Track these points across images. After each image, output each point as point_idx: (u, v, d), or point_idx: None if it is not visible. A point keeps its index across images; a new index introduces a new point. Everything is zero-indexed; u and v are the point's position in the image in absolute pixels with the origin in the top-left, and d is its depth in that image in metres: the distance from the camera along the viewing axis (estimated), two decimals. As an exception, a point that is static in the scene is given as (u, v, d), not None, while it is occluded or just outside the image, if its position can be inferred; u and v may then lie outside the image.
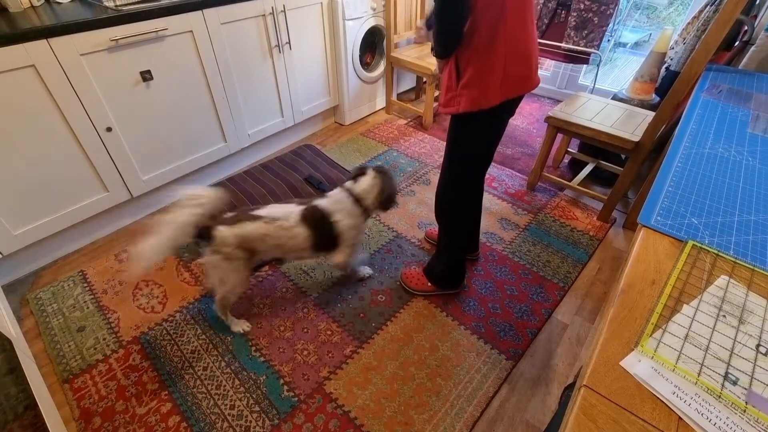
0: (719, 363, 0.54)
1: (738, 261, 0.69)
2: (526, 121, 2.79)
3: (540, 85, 3.11)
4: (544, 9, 2.50)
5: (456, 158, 1.30)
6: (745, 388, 0.52)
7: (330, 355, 1.38)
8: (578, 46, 2.43)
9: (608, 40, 2.57)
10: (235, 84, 1.99)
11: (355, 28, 2.38)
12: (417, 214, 1.98)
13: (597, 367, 0.55)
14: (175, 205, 1.19)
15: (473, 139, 1.25)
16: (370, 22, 2.46)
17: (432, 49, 1.14)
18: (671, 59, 2.01)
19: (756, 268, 0.68)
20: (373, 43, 2.70)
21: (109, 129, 1.64)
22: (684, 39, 1.95)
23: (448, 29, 1.03)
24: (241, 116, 2.10)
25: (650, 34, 3.25)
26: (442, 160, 1.42)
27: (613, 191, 1.85)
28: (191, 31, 1.73)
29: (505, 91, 1.12)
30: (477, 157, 1.31)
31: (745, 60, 1.59)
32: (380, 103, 2.92)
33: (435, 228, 1.86)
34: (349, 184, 1.42)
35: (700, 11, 1.88)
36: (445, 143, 1.32)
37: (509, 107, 1.19)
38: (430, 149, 2.47)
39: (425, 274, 1.57)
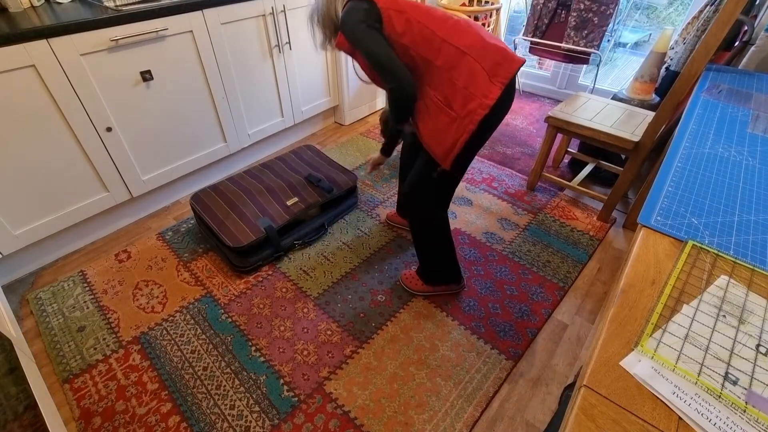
0: (719, 363, 0.55)
1: (738, 261, 0.69)
2: (526, 121, 2.79)
3: (540, 85, 3.14)
4: (544, 9, 2.50)
5: (442, 176, 1.28)
6: (745, 388, 0.52)
7: (330, 355, 1.38)
8: (578, 46, 2.43)
9: (608, 40, 2.57)
10: (235, 84, 1.99)
11: (355, 28, 2.38)
12: (417, 214, 1.98)
13: (597, 367, 0.55)
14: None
15: (466, 151, 1.22)
16: (370, 22, 2.46)
17: (396, 120, 1.25)
18: (671, 59, 2.01)
19: (756, 268, 0.68)
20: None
21: (109, 129, 1.64)
22: (684, 39, 1.95)
23: (404, 80, 1.13)
24: (241, 116, 2.10)
25: (650, 34, 3.25)
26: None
27: (613, 191, 1.85)
28: (191, 31, 1.73)
29: (501, 79, 1.11)
30: (467, 165, 1.30)
31: (745, 60, 1.59)
32: (380, 103, 2.92)
33: (393, 211, 1.94)
34: None
35: (700, 11, 1.88)
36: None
37: (507, 100, 1.18)
38: (430, 149, 2.47)
39: (418, 274, 1.57)
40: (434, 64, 1.14)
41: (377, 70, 1.15)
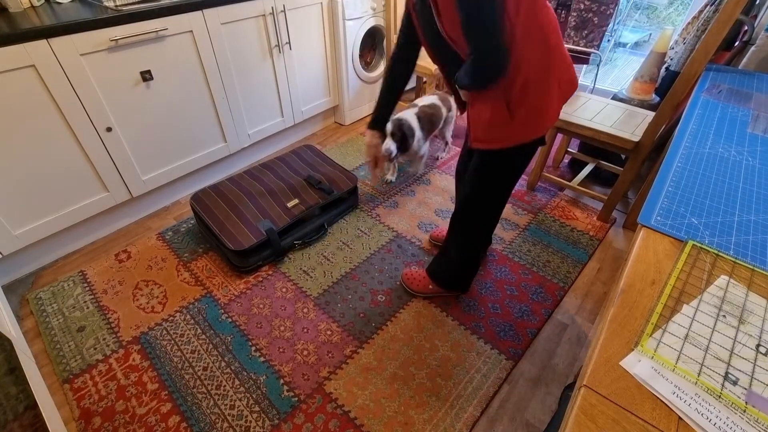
0: (719, 363, 0.54)
1: (738, 261, 0.69)
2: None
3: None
4: (544, 9, 2.50)
5: (495, 192, 1.24)
6: (745, 388, 0.52)
7: (330, 355, 1.38)
8: (578, 46, 2.43)
9: (608, 40, 2.57)
10: (235, 84, 1.99)
11: (355, 28, 2.38)
12: (417, 214, 1.98)
13: (597, 367, 0.55)
14: None
15: (520, 165, 1.19)
16: (370, 22, 2.46)
17: (470, 84, 1.01)
18: (671, 59, 2.01)
19: (756, 268, 0.68)
20: (373, 43, 2.70)
21: (109, 129, 1.64)
22: (684, 39, 1.95)
23: (499, 52, 0.91)
24: (241, 116, 2.10)
25: (650, 34, 3.25)
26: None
27: (613, 191, 1.85)
28: (191, 31, 1.73)
29: (562, 99, 1.09)
30: (517, 180, 1.24)
31: (745, 60, 1.59)
32: (380, 103, 2.92)
33: (438, 229, 1.84)
34: None
35: (700, 11, 1.88)
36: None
37: None
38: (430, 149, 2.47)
39: (432, 276, 1.55)
40: (520, 56, 0.95)
41: (473, 29, 0.90)
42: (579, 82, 2.84)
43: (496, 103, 1.04)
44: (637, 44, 3.36)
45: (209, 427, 1.20)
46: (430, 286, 1.55)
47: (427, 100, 2.13)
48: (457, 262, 1.47)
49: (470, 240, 1.40)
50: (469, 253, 1.44)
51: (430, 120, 2.05)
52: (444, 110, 2.14)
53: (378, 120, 1.30)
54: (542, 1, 0.97)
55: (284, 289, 1.61)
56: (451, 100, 2.11)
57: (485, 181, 1.22)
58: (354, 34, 2.39)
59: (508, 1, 0.88)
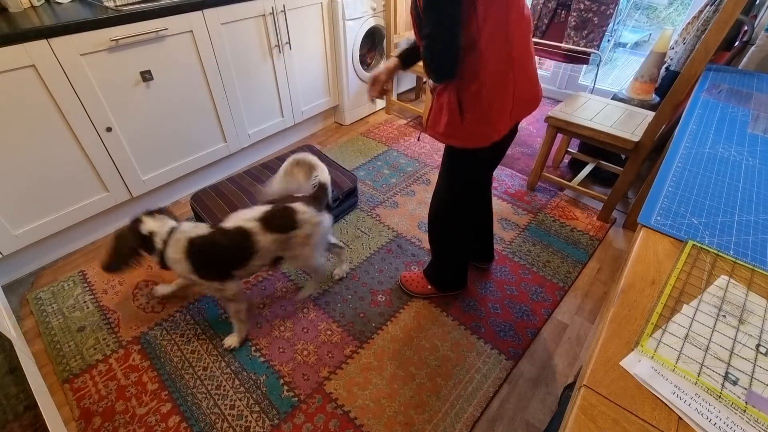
0: (719, 363, 0.54)
1: (738, 261, 0.69)
2: (526, 121, 2.79)
3: (540, 85, 3.13)
4: (544, 9, 2.50)
5: (454, 185, 1.27)
6: (745, 388, 0.52)
7: (330, 355, 1.38)
8: (578, 46, 2.43)
9: (608, 40, 2.57)
10: (235, 84, 1.99)
11: (355, 28, 2.38)
12: (417, 214, 1.98)
13: (597, 367, 0.55)
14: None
15: (475, 167, 1.22)
16: (370, 22, 2.46)
17: (427, 74, 1.01)
18: (671, 59, 2.01)
19: (756, 268, 0.68)
20: (373, 43, 2.70)
21: (109, 129, 1.64)
22: (684, 39, 1.95)
23: (442, 54, 0.92)
24: (241, 116, 2.10)
25: (650, 34, 3.25)
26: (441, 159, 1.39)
27: (613, 191, 1.85)
28: (191, 31, 1.73)
29: (515, 117, 1.09)
30: (477, 180, 1.27)
31: (745, 60, 1.59)
32: (380, 103, 2.92)
33: None
34: None
35: (700, 11, 1.88)
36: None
37: (515, 127, 1.15)
38: (430, 149, 2.48)
39: (428, 278, 1.56)
40: (478, 61, 0.95)
41: (427, 18, 0.88)
42: (579, 81, 2.86)
43: (451, 99, 1.05)
44: (637, 44, 3.36)
45: (209, 427, 1.20)
46: (429, 287, 1.55)
47: (235, 221, 1.24)
48: (442, 261, 1.48)
49: (448, 236, 1.40)
50: (452, 248, 1.44)
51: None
52: (263, 236, 1.22)
53: (403, 51, 1.24)
54: (517, 15, 0.96)
55: (284, 289, 1.61)
56: (302, 210, 1.30)
57: (449, 173, 1.25)
58: (354, 34, 2.39)
59: (479, 5, 0.88)
